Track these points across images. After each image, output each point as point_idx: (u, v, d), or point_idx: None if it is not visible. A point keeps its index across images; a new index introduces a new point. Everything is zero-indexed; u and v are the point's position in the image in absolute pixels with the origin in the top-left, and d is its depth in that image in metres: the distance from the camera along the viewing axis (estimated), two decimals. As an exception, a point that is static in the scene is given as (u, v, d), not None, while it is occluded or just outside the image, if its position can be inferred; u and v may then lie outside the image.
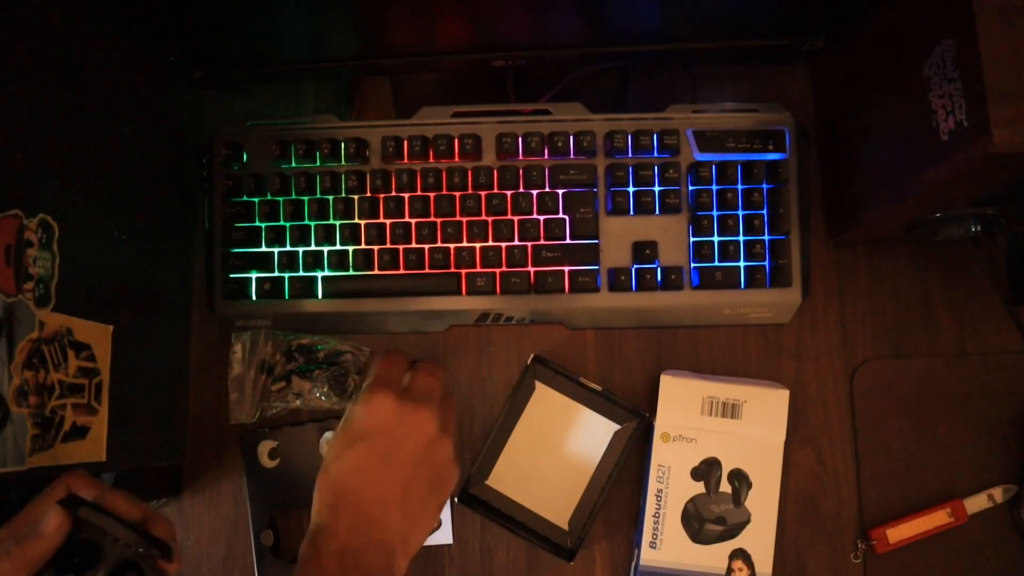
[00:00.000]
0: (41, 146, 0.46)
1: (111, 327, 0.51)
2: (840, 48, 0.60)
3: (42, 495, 0.42)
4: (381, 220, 0.62)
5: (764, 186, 0.62)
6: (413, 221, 0.62)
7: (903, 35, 0.51)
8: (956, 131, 0.44)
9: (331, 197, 0.62)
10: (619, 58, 0.62)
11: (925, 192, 0.50)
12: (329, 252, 0.62)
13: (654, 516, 0.59)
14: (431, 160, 0.63)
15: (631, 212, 0.62)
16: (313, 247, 0.62)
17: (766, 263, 0.62)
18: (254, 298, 0.63)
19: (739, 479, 0.59)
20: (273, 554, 0.61)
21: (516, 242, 0.62)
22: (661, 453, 0.60)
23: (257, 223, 0.63)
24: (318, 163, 0.63)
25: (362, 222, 0.62)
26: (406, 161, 0.63)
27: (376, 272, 0.62)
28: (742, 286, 0.62)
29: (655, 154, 0.62)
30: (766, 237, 0.62)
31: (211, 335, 0.64)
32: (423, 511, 0.49)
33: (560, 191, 0.62)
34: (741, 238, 0.62)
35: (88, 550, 0.41)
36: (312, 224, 0.62)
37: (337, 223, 0.62)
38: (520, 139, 0.62)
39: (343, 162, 0.63)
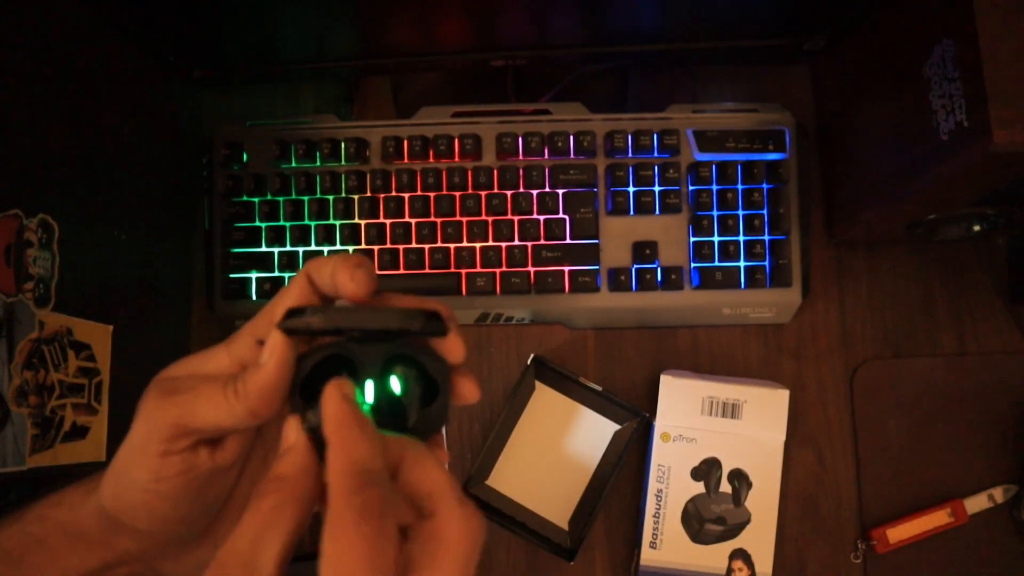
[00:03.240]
0: (41, 146, 0.46)
1: (111, 327, 0.51)
2: (840, 48, 0.60)
3: (278, 295, 0.31)
4: (381, 220, 0.62)
5: (764, 186, 0.62)
6: (413, 221, 0.62)
7: (903, 35, 0.51)
8: (956, 131, 0.44)
9: (331, 197, 0.62)
10: (619, 58, 0.62)
11: (925, 192, 0.50)
12: (329, 252, 0.62)
13: (654, 516, 0.59)
14: (431, 160, 0.63)
15: (631, 212, 0.62)
16: (313, 247, 0.62)
17: (766, 263, 0.62)
18: (254, 298, 0.63)
19: (739, 479, 0.59)
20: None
21: (516, 242, 0.62)
22: (661, 453, 0.60)
23: (257, 223, 0.63)
24: (318, 163, 0.63)
25: (362, 222, 0.62)
26: (406, 161, 0.63)
27: (376, 272, 0.62)
28: (742, 286, 0.62)
29: (655, 154, 0.62)
30: (766, 237, 0.62)
31: (211, 335, 0.64)
32: None
33: (560, 191, 0.62)
34: (741, 238, 0.62)
35: (342, 362, 0.30)
36: (312, 224, 0.62)
37: (337, 223, 0.62)
38: (520, 139, 0.62)
39: (343, 162, 0.63)
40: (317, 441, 0.28)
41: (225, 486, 0.32)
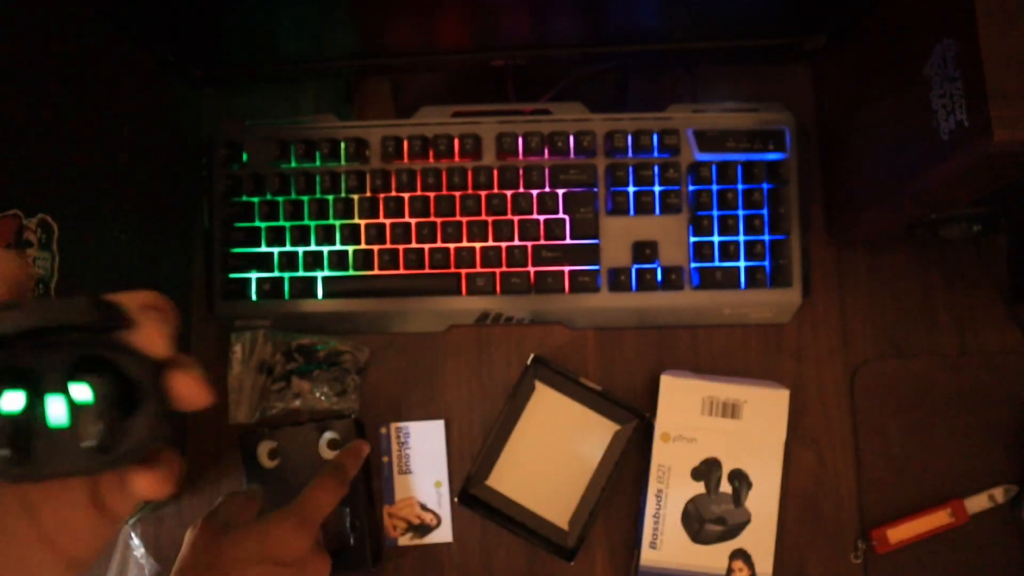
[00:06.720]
0: (41, 146, 0.46)
1: (111, 327, 0.51)
2: (840, 48, 0.60)
3: None
4: (381, 220, 0.62)
5: (764, 186, 0.62)
6: (413, 221, 0.62)
7: (904, 34, 0.51)
8: (957, 131, 0.44)
9: (331, 197, 0.62)
10: (619, 58, 0.62)
11: (925, 192, 0.50)
12: (329, 252, 0.62)
13: (654, 516, 0.59)
14: (431, 160, 0.63)
15: (631, 212, 0.62)
16: (313, 247, 0.62)
17: (766, 263, 0.62)
18: (254, 298, 0.63)
19: (739, 479, 0.59)
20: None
21: (516, 242, 0.62)
22: (661, 453, 0.59)
23: (257, 223, 0.63)
24: (318, 163, 0.63)
25: (362, 222, 0.62)
26: (406, 161, 0.63)
27: (376, 272, 0.62)
28: (742, 286, 0.62)
29: (655, 154, 0.62)
30: (766, 237, 0.62)
31: (211, 335, 0.64)
32: None
33: (560, 191, 0.62)
34: (741, 238, 0.62)
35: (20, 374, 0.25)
36: (312, 224, 0.62)
37: (337, 223, 0.62)
38: (520, 139, 0.62)
39: (343, 162, 0.63)
40: None
41: None
